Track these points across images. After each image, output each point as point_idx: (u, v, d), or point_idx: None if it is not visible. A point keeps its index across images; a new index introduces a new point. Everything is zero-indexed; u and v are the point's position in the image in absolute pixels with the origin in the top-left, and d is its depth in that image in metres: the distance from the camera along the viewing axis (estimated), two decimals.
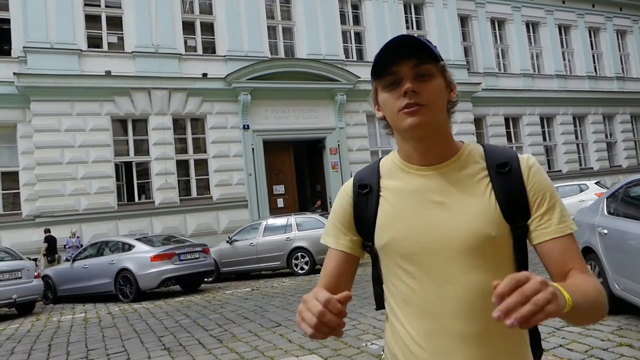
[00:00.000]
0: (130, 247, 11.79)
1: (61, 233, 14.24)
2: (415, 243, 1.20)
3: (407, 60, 1.16)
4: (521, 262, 1.22)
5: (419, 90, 1.16)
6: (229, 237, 13.94)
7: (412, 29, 20.35)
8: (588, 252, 6.06)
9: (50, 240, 14.05)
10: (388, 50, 1.16)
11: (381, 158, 1.37)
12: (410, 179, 1.25)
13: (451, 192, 1.21)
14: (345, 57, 18.93)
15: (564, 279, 1.15)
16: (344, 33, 19.24)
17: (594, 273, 5.99)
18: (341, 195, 1.36)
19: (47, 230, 14.06)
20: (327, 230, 1.37)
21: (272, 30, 18.21)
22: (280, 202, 17.64)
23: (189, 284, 12.35)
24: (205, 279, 12.96)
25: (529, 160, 1.23)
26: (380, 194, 1.28)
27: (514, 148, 22.00)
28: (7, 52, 15.24)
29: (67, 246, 14.16)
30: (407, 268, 1.22)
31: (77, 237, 14.37)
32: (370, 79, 1.25)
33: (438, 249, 1.18)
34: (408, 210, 1.23)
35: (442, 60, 1.22)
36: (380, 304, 1.35)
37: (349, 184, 1.36)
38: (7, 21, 15.22)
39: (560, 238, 1.17)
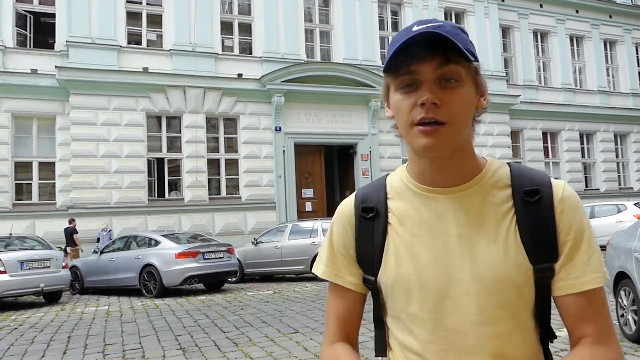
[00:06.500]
0: (157, 242, 11.89)
1: (92, 225, 14.48)
2: (426, 284, 1.01)
3: (431, 58, 0.94)
4: (542, 312, 1.03)
5: (441, 102, 0.94)
6: (254, 238, 13.94)
7: None
8: (622, 278, 5.78)
9: (66, 232, 14.04)
10: (407, 45, 0.94)
11: (388, 174, 1.15)
12: (422, 203, 1.04)
13: (470, 223, 1.01)
14: (382, 63, 18.70)
15: (576, 341, 1.00)
16: (382, 39, 19.07)
17: (628, 300, 5.71)
18: (340, 219, 1.13)
19: (72, 221, 14.15)
20: (324, 260, 1.14)
21: (309, 33, 18.19)
22: (308, 206, 17.57)
23: (212, 283, 12.37)
24: (229, 279, 12.98)
25: (565, 191, 1.02)
26: (388, 220, 1.07)
27: (550, 164, 21.49)
28: (51, 46, 15.64)
29: (99, 240, 14.32)
30: (415, 313, 1.03)
31: (109, 230, 14.55)
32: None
33: (452, 293, 1.00)
34: (419, 244, 1.03)
35: (476, 59, 0.98)
36: (380, 349, 1.14)
37: (349, 205, 1.13)
38: (53, 15, 15.63)
39: (585, 292, 0.98)
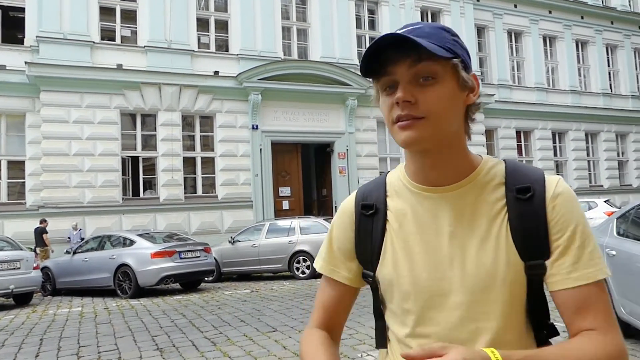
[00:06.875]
0: (132, 242, 11.70)
1: (64, 225, 14.17)
2: (419, 281, 1.03)
3: (404, 58, 0.96)
4: (536, 308, 1.02)
5: (416, 99, 0.95)
6: (231, 237, 13.84)
7: None
8: None
9: (36, 232, 13.69)
10: (378, 49, 0.96)
11: (388, 172, 1.17)
12: (418, 202, 1.06)
13: (463, 221, 1.02)
14: (359, 62, 18.72)
15: (574, 335, 0.97)
16: (359, 37, 19.10)
17: None
18: (341, 216, 1.16)
19: (43, 221, 13.79)
20: (323, 255, 1.18)
21: (286, 31, 18.12)
22: (285, 205, 17.51)
23: (189, 282, 12.23)
24: (205, 279, 12.84)
25: (558, 187, 1.01)
26: (387, 218, 1.09)
27: (524, 162, 21.79)
28: (20, 41, 15.24)
29: (70, 239, 14.03)
30: (409, 309, 1.05)
31: (80, 229, 14.27)
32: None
33: (444, 290, 1.01)
34: (414, 241, 1.05)
35: (457, 55, 0.98)
36: (381, 340, 1.15)
37: (350, 203, 1.16)
38: (22, 10, 15.22)
39: (580, 287, 0.96)
